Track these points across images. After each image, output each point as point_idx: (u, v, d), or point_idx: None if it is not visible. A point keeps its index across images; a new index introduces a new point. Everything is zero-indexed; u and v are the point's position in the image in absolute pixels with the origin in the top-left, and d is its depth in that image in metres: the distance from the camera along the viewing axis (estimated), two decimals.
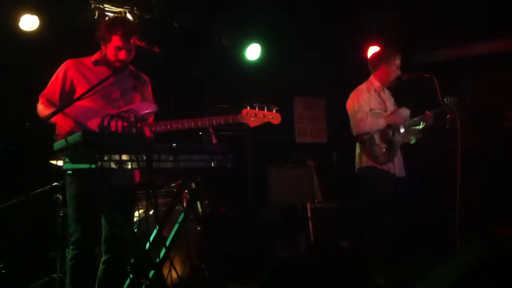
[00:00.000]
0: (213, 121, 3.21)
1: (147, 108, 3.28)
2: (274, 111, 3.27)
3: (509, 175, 5.78)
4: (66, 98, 3.27)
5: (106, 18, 3.33)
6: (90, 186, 2.86)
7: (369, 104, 4.47)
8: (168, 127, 3.19)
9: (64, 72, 3.28)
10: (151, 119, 3.36)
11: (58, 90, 3.27)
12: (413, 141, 4.62)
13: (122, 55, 3.23)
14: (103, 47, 3.29)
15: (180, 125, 3.19)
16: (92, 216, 3.13)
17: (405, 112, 4.56)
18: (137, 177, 3.35)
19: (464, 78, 6.65)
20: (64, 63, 3.33)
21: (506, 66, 6.19)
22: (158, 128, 3.19)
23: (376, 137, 4.41)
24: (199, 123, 3.20)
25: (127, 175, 3.21)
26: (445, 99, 4.46)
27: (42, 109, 3.25)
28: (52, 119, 3.09)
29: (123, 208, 3.14)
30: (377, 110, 4.49)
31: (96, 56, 3.35)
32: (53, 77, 3.32)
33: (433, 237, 5.15)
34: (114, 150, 2.62)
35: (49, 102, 3.26)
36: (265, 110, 3.26)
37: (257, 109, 3.25)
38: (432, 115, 4.51)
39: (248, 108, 3.24)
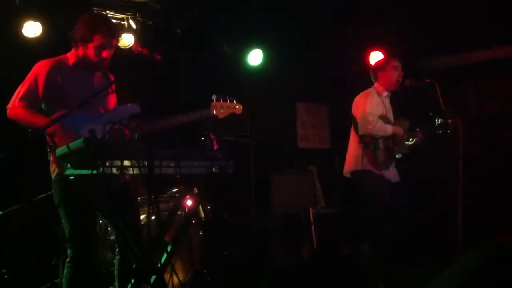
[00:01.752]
0: (190, 116, 3.28)
1: (132, 110, 3.25)
2: (235, 102, 3.43)
3: (511, 181, 5.76)
4: (48, 100, 3.14)
5: (85, 16, 3.22)
6: (90, 195, 2.86)
7: (378, 108, 4.52)
8: (152, 128, 3.21)
9: (48, 71, 3.12)
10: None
11: (40, 91, 3.11)
12: (398, 155, 4.63)
13: (105, 53, 3.15)
14: (81, 47, 3.16)
15: (151, 127, 3.20)
16: (90, 229, 3.12)
17: (404, 124, 4.61)
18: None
19: (466, 84, 6.64)
20: (41, 63, 3.16)
21: (508, 72, 6.18)
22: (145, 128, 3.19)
23: (381, 143, 4.44)
24: (178, 120, 3.25)
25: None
26: (436, 120, 4.51)
27: (23, 115, 3.09)
28: (50, 130, 3.01)
29: (124, 214, 3.13)
30: (384, 116, 4.53)
31: (72, 57, 3.22)
32: (32, 77, 3.13)
33: (434, 241, 5.14)
34: (116, 157, 2.63)
35: (32, 106, 3.10)
36: (228, 102, 3.40)
37: (221, 102, 3.36)
38: (423, 137, 4.55)
39: (215, 101, 3.35)
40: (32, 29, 5.10)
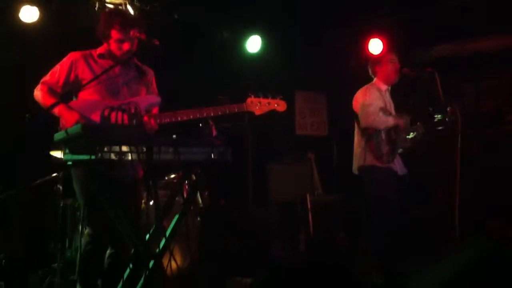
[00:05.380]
0: (218, 110, 3.21)
1: (151, 100, 3.33)
2: (278, 99, 3.31)
3: (508, 176, 5.77)
4: (69, 89, 3.27)
5: (102, 14, 3.32)
6: (92, 180, 2.87)
7: (378, 100, 4.51)
8: (173, 119, 3.19)
9: (71, 62, 3.26)
10: (155, 110, 3.37)
11: (62, 79, 3.25)
12: (400, 150, 4.62)
13: (125, 46, 3.21)
14: (105, 43, 3.28)
15: (185, 116, 3.19)
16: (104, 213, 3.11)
17: (406, 119, 4.60)
18: (140, 172, 3.33)
19: (464, 79, 6.63)
20: (70, 54, 3.30)
21: (506, 66, 6.17)
22: (163, 119, 3.19)
23: (383, 135, 4.43)
24: (204, 113, 3.18)
25: (129, 168, 3.21)
26: (435, 116, 4.48)
27: (43, 96, 3.22)
28: (57, 112, 3.08)
29: (125, 202, 3.12)
30: (385, 108, 4.52)
31: (100, 50, 3.33)
32: (58, 66, 3.29)
33: (432, 236, 5.16)
34: (114, 142, 2.63)
35: (51, 91, 3.24)
36: (270, 98, 3.29)
37: (261, 97, 3.27)
38: (424, 131, 4.53)
39: (253, 96, 3.27)
40: (29, 13, 5.06)
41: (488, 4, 5.58)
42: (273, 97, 3.30)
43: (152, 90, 3.52)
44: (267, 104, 3.28)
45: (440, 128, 4.51)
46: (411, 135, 4.56)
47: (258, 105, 3.26)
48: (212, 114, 3.19)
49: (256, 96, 3.27)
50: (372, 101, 4.46)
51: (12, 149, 4.83)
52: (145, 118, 3.13)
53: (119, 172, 3.09)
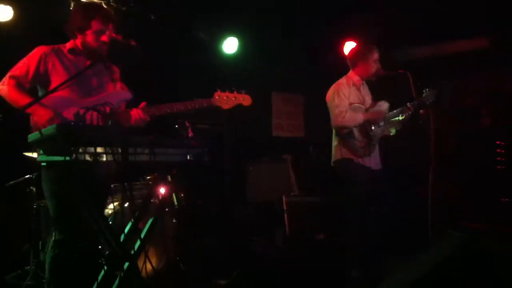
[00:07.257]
0: (188, 105, 3.24)
1: (122, 96, 3.33)
2: (243, 93, 3.39)
3: (483, 173, 5.88)
4: (38, 84, 3.20)
5: (79, 7, 3.28)
6: (67, 181, 2.83)
7: (348, 98, 4.54)
8: (158, 112, 3.21)
9: (41, 56, 3.17)
10: (123, 107, 3.36)
11: (32, 72, 3.15)
12: (393, 132, 4.68)
13: (105, 37, 3.18)
14: (79, 37, 3.23)
15: (156, 111, 3.21)
16: (75, 213, 3.02)
17: (383, 105, 4.66)
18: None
19: (442, 78, 6.74)
20: (38, 48, 3.21)
21: (482, 66, 6.29)
22: (150, 113, 3.19)
23: (355, 131, 4.48)
24: (174, 108, 3.22)
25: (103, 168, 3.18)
26: (423, 92, 4.56)
27: (11, 92, 3.10)
28: (30, 110, 3.00)
29: (97, 199, 3.11)
30: (356, 104, 4.56)
31: (70, 45, 3.27)
32: (26, 59, 3.18)
33: (407, 233, 5.23)
34: (89, 143, 2.61)
35: (19, 86, 3.13)
36: (236, 93, 3.36)
37: (227, 92, 3.34)
38: (412, 107, 4.59)
39: (219, 91, 3.32)
40: (3, 12, 5.00)
41: (463, 9, 5.70)
42: (239, 92, 3.36)
43: (119, 86, 3.47)
44: (233, 99, 3.35)
45: (430, 101, 4.55)
46: (402, 117, 4.60)
47: (225, 99, 3.33)
48: (182, 109, 3.23)
49: (223, 91, 3.33)
50: (341, 100, 4.49)
51: None
52: (134, 111, 3.15)
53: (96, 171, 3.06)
